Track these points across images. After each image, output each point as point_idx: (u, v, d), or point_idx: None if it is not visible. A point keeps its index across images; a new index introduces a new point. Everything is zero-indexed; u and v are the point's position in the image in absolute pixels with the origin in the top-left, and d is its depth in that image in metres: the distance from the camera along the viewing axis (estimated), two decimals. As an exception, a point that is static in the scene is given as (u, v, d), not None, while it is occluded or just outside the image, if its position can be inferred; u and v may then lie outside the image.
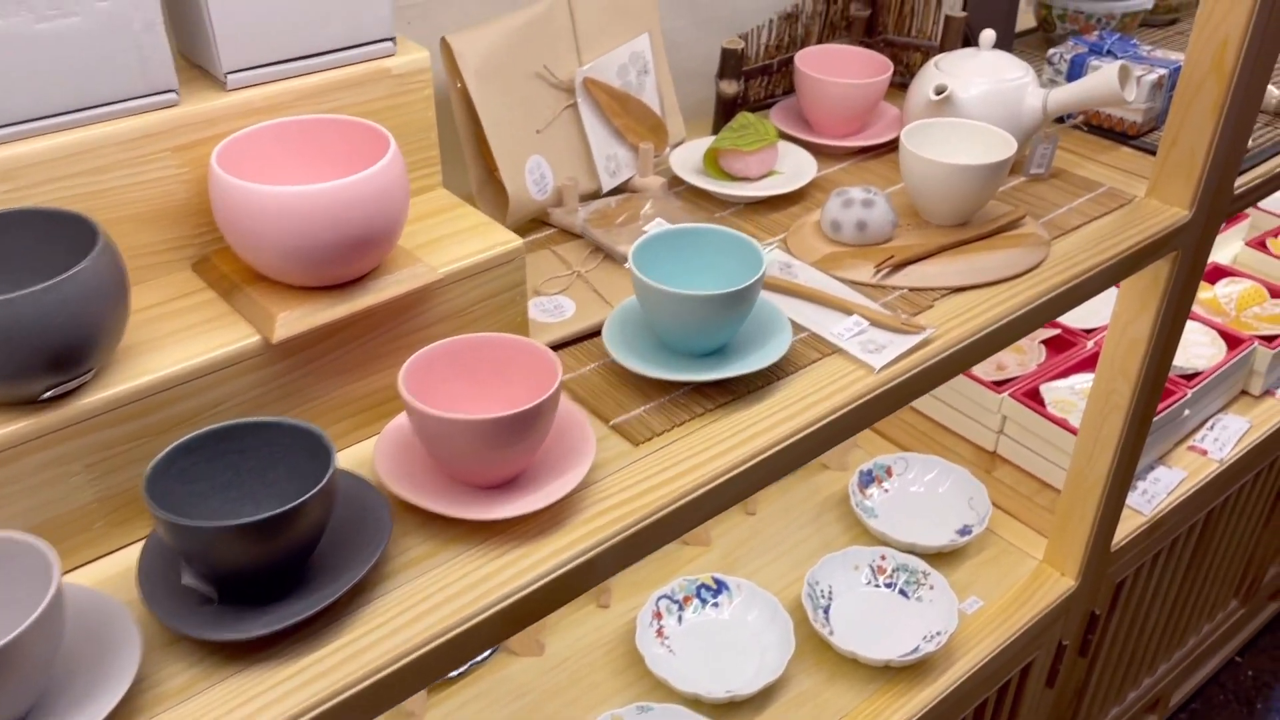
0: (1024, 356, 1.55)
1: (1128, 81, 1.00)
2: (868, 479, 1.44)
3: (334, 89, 0.73)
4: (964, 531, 1.36)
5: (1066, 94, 1.03)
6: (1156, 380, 1.17)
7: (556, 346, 0.83)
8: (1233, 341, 1.58)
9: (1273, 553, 1.91)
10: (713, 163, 1.06)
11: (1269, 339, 1.59)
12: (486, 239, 0.76)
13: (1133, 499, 1.42)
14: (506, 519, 0.66)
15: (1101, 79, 1.00)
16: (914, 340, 0.84)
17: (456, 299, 0.74)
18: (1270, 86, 1.23)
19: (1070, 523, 1.29)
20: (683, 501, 0.71)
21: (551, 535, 0.67)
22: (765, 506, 1.44)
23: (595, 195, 1.03)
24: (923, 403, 1.56)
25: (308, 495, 0.58)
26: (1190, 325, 1.62)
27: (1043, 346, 1.56)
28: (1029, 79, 1.06)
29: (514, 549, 0.66)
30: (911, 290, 0.92)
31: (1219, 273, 1.77)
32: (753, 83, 1.17)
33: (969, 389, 1.48)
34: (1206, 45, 0.96)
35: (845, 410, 0.79)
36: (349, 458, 0.72)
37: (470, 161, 0.94)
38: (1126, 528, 1.38)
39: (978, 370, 1.50)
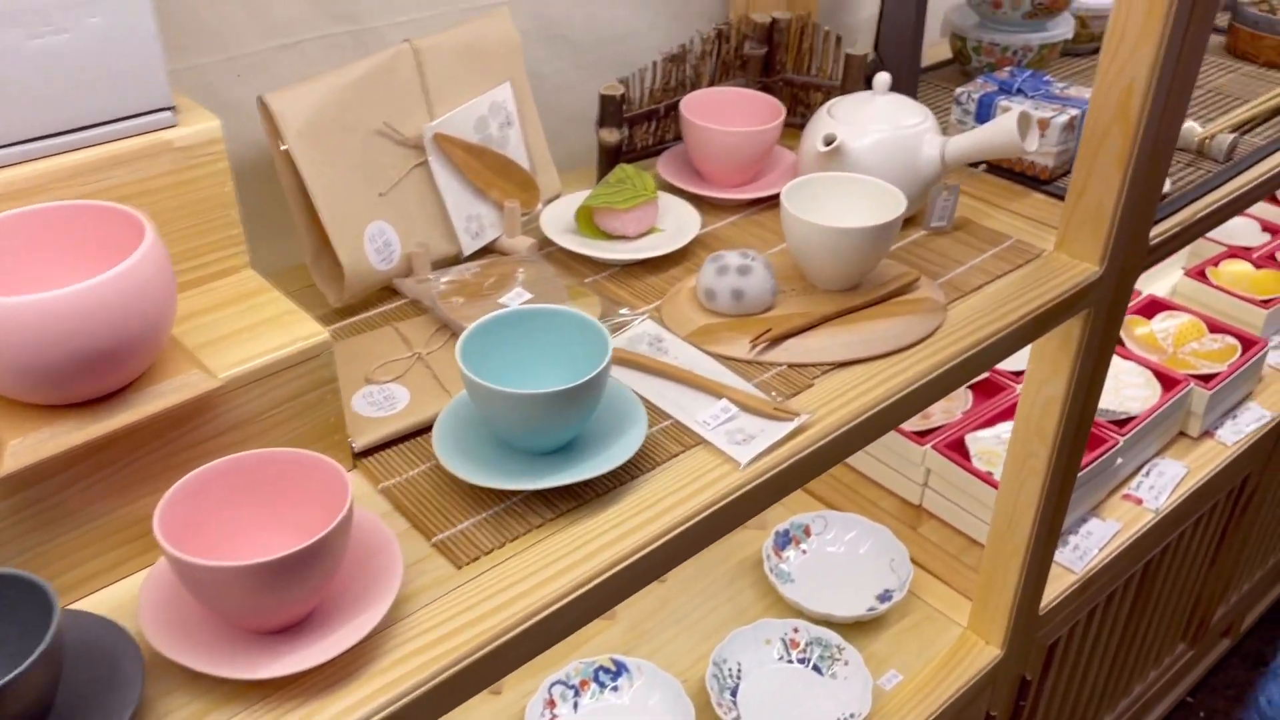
0: (950, 404, 1.47)
1: (1028, 130, 0.92)
2: (784, 540, 1.35)
3: (101, 167, 0.64)
4: (884, 597, 1.28)
5: (964, 143, 0.95)
6: (1076, 442, 1.09)
7: (383, 446, 0.74)
8: (1168, 382, 1.51)
9: (1220, 592, 1.85)
10: (587, 221, 0.97)
11: (1206, 378, 1.52)
12: (288, 332, 0.67)
13: (1063, 556, 1.34)
14: (284, 676, 0.57)
15: (999, 128, 0.92)
16: (786, 429, 0.76)
17: (247, 405, 0.65)
18: (1192, 123, 1.17)
19: (993, 590, 1.21)
20: (506, 638, 0.62)
21: (343, 689, 0.58)
22: (677, 572, 1.34)
23: (457, 260, 0.94)
24: (847, 453, 1.48)
25: (11, 675, 0.48)
26: (1124, 365, 1.55)
27: (970, 392, 1.48)
28: (927, 125, 0.98)
29: (296, 708, 0.57)
30: (791, 366, 0.83)
31: (1156, 306, 1.70)
32: (638, 129, 1.08)
33: (892, 440, 1.40)
34: (1111, 90, 0.89)
35: (705, 515, 0.70)
36: (111, 598, 0.63)
37: (302, 231, 0.85)
38: (1056, 587, 1.30)
39: (901, 419, 1.42)
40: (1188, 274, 1.79)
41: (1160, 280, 1.83)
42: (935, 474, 1.38)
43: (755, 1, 1.17)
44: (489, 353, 0.72)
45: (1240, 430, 1.56)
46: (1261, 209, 2.01)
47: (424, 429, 0.75)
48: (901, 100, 1.00)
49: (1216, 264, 1.83)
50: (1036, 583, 1.21)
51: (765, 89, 1.15)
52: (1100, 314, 0.99)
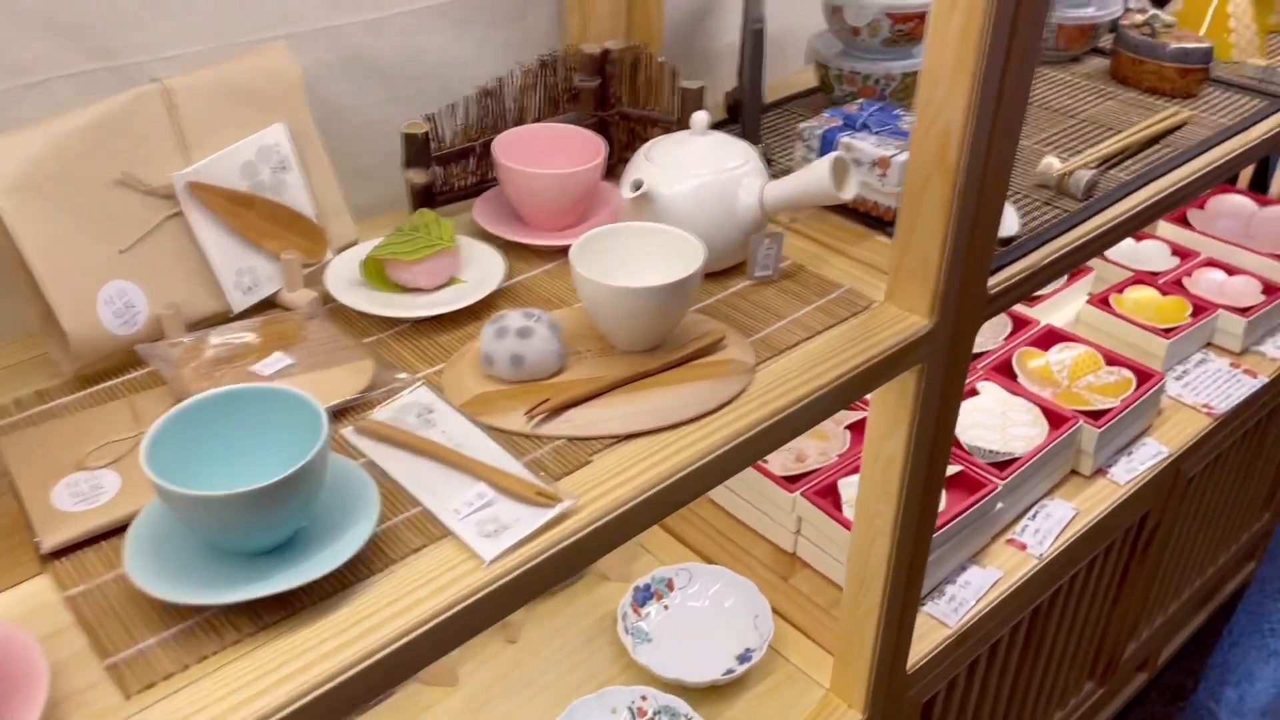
0: (826, 444, 1.40)
1: (845, 177, 0.86)
2: (645, 595, 1.28)
3: None
4: (745, 657, 1.20)
5: (782, 190, 0.88)
6: (926, 498, 1.02)
7: (83, 544, 0.66)
8: (1056, 420, 1.44)
9: (1129, 628, 1.79)
10: (376, 273, 0.89)
11: (1097, 415, 1.46)
12: (-61, 427, 0.59)
13: (937, 608, 1.27)
14: None
15: (813, 175, 0.85)
16: (544, 516, 0.68)
17: (-120, 514, 0.57)
18: (1051, 159, 1.10)
19: (852, 652, 1.14)
20: (163, 783, 0.54)
21: None
22: (531, 630, 1.27)
23: (227, 318, 0.86)
24: (722, 497, 1.41)
25: None
26: (1013, 402, 1.49)
27: (848, 433, 1.42)
28: (747, 168, 0.91)
29: None
30: (572, 440, 0.76)
31: (1053, 337, 1.64)
32: (453, 169, 1.01)
33: (763, 485, 1.33)
34: (928, 136, 0.82)
35: (429, 626, 0.62)
36: None
37: (28, 295, 0.76)
38: (929, 643, 1.23)
39: (774, 463, 1.35)
40: (1090, 302, 1.73)
41: (1064, 307, 1.77)
42: (806, 522, 1.31)
43: (591, 30, 1.09)
44: (197, 441, 0.64)
45: (1134, 468, 1.50)
46: (1172, 232, 1.96)
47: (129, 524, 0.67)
48: (724, 140, 0.93)
49: (1122, 290, 1.77)
50: (898, 643, 1.14)
51: (602, 123, 1.08)
52: (936, 368, 0.92)
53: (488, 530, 0.68)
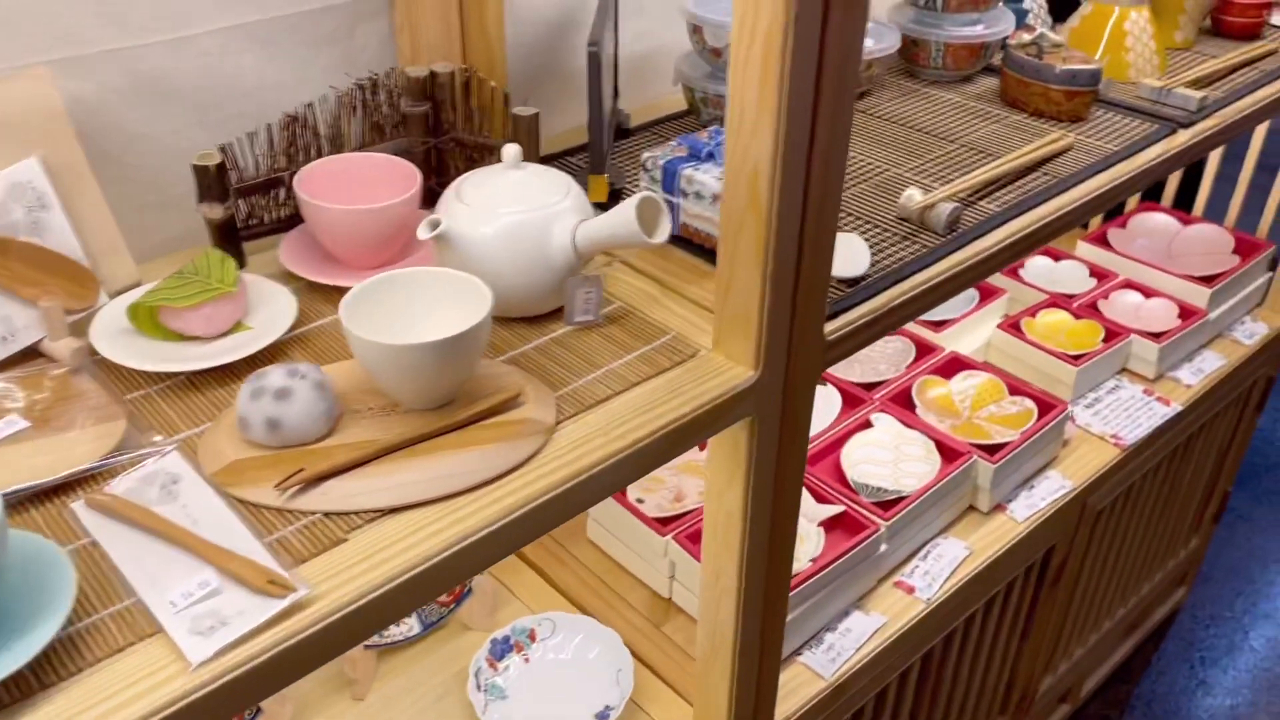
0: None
1: (658, 219, 0.79)
2: (503, 648, 1.20)
3: None
4: (604, 715, 1.13)
5: (593, 231, 0.81)
6: (774, 556, 0.95)
7: None
8: (950, 455, 1.38)
9: (1044, 663, 1.73)
10: (149, 320, 0.81)
11: (992, 450, 1.39)
12: None
13: (814, 658, 1.21)
14: None
15: (620, 217, 0.78)
16: (272, 609, 0.61)
17: None
18: (912, 190, 1.04)
19: (709, 712, 1.07)
20: None
21: None
22: (381, 685, 1.19)
23: (-23, 371, 0.78)
24: (600, 538, 1.34)
25: None
26: (909, 435, 1.42)
27: (731, 471, 1.35)
28: (563, 206, 0.84)
29: None
30: (329, 515, 0.68)
31: (958, 365, 1.58)
32: (260, 201, 0.93)
33: (636, 527, 1.26)
34: (738, 175, 0.75)
35: (113, 743, 0.55)
36: None
37: None
38: (801, 696, 1.16)
39: (649, 503, 1.28)
40: (1002, 326, 1.67)
41: (975, 332, 1.71)
42: (680, 566, 1.24)
43: (422, 53, 1.02)
44: None
45: (1035, 504, 1.44)
46: (1091, 252, 1.90)
47: None
48: (542, 175, 0.86)
49: (1035, 314, 1.71)
50: (758, 702, 1.07)
51: (435, 150, 1.01)
52: (768, 421, 0.85)
53: (203, 626, 0.60)
